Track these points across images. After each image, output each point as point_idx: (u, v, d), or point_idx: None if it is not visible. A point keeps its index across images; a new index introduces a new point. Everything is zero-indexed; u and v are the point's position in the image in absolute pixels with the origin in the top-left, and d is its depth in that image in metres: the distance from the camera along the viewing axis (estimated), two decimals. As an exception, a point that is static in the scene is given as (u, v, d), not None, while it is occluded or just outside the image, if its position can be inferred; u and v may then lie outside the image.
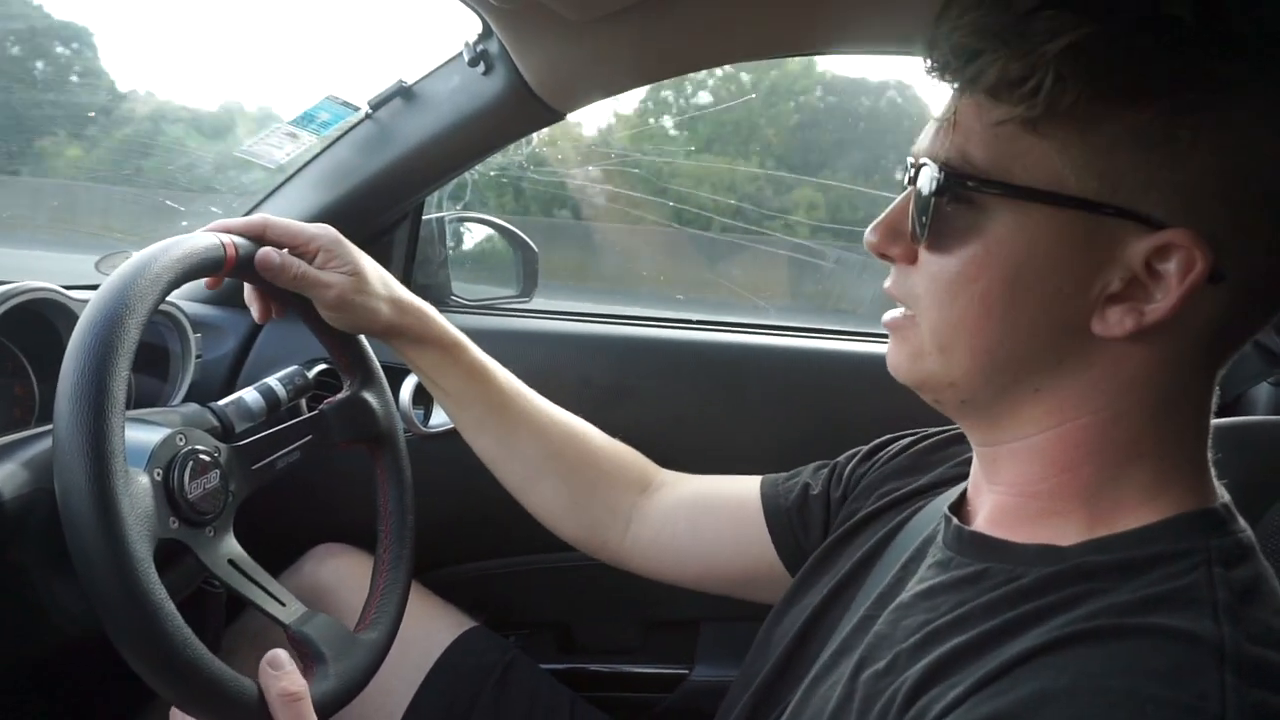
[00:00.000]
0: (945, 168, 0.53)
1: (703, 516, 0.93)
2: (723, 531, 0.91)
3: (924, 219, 0.54)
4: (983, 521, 0.61)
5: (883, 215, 0.59)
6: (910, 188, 0.57)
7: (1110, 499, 0.54)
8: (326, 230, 0.85)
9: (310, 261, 0.84)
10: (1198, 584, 0.48)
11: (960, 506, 0.65)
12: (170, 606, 0.62)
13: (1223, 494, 0.56)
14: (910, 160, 0.57)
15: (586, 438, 0.98)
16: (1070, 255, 0.51)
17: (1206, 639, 0.45)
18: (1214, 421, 0.56)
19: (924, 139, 0.56)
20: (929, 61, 0.54)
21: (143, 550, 0.61)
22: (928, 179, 0.54)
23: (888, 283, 0.61)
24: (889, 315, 0.61)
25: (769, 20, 0.98)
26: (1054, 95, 0.48)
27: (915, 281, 0.57)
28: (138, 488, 0.67)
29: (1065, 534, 0.54)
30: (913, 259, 0.58)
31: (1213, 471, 0.56)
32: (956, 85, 0.53)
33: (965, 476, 0.67)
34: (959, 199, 0.53)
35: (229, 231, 0.79)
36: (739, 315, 1.60)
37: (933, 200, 0.53)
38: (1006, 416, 0.57)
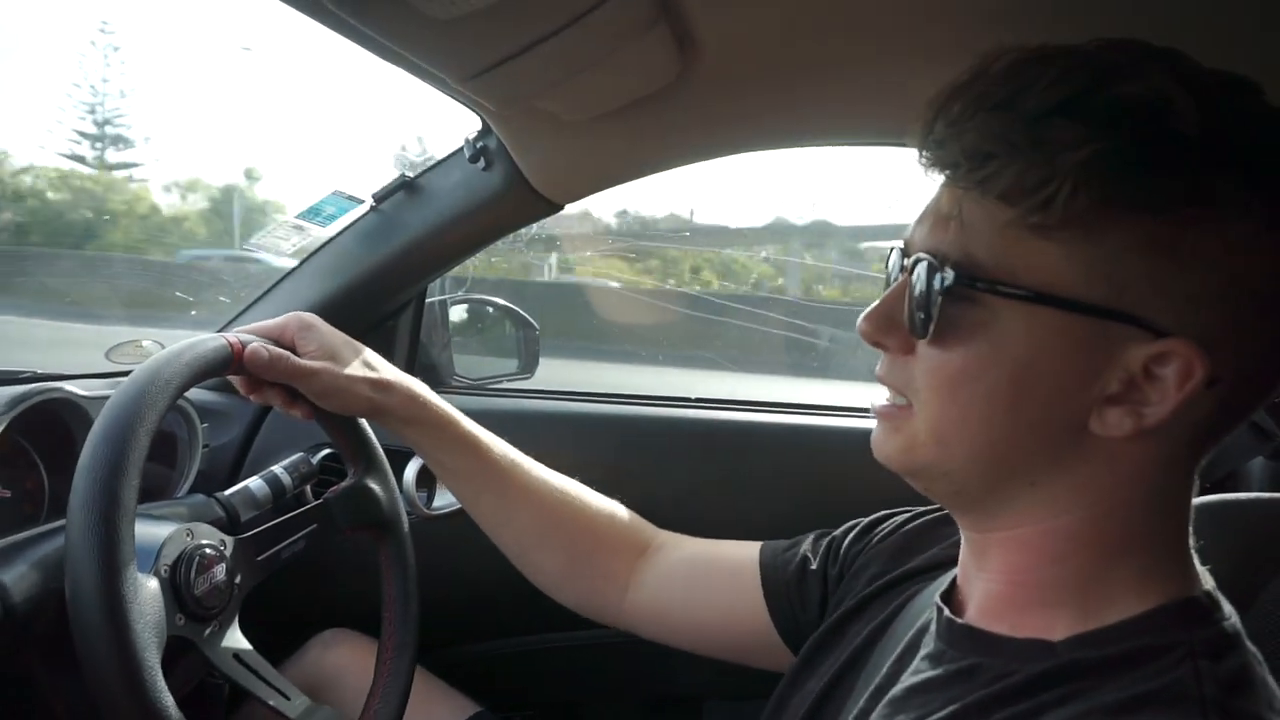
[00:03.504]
0: (953, 266, 0.53)
1: (699, 580, 0.93)
2: (718, 596, 0.90)
3: (925, 315, 0.54)
4: (974, 612, 0.61)
5: (876, 304, 0.59)
6: (902, 276, 0.57)
7: (1098, 590, 0.55)
8: (293, 317, 0.87)
9: (301, 350, 0.86)
10: (1184, 679, 0.49)
11: (951, 594, 0.65)
12: (178, 714, 0.63)
13: (1206, 580, 0.56)
14: (901, 248, 0.58)
15: (584, 504, 0.98)
16: (1073, 357, 0.51)
17: None
18: (1206, 499, 0.57)
19: (920, 232, 0.56)
20: (929, 157, 0.54)
21: (151, 658, 0.63)
22: (930, 275, 0.53)
23: (880, 370, 0.60)
24: (880, 405, 0.61)
25: (761, 115, 1.02)
26: (1069, 204, 0.49)
27: (912, 373, 0.57)
28: (146, 593, 0.68)
29: (1055, 627, 0.54)
30: (909, 350, 0.57)
31: (1194, 557, 0.56)
32: (964, 186, 0.53)
33: (957, 559, 0.68)
34: (964, 298, 0.53)
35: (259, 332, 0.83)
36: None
37: (937, 299, 0.53)
38: (999, 508, 0.57)
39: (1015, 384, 0.52)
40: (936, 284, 0.53)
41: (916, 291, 0.54)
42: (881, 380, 0.60)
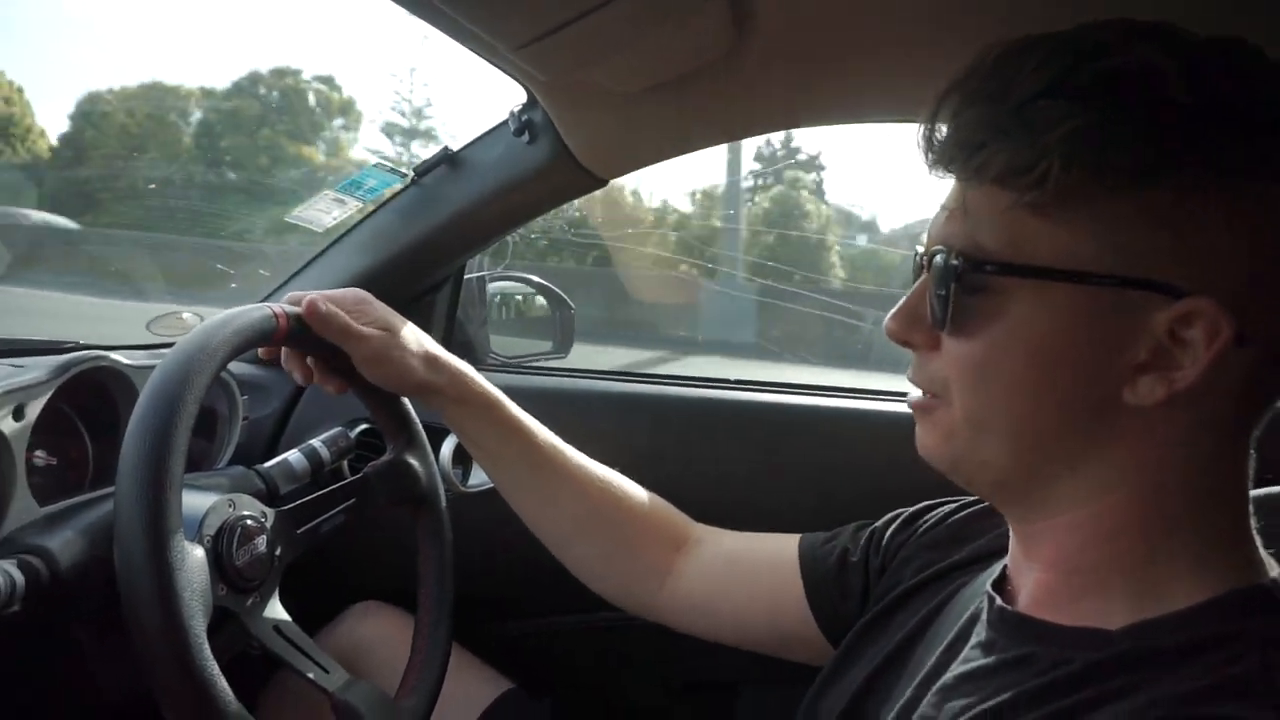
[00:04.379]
0: (960, 255, 0.54)
1: (738, 575, 0.92)
2: (758, 590, 0.90)
3: (944, 306, 0.55)
4: (1026, 601, 0.60)
5: (900, 303, 0.60)
6: (925, 275, 0.58)
7: (1153, 575, 0.53)
8: (349, 290, 0.88)
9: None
10: (1251, 671, 0.47)
11: (1002, 584, 0.64)
12: (223, 683, 0.63)
13: (1273, 566, 0.54)
14: (921, 249, 0.59)
15: (624, 495, 0.97)
16: (1094, 329, 0.51)
17: None
18: (1266, 491, 0.55)
19: (934, 227, 0.58)
20: (930, 155, 0.56)
21: (198, 626, 0.63)
22: (943, 266, 0.55)
23: (911, 371, 0.61)
24: (914, 398, 0.61)
25: (815, 91, 1.00)
26: (1062, 181, 0.49)
27: (940, 368, 0.58)
28: (193, 561, 0.68)
29: (1110, 615, 0.53)
30: (935, 345, 0.58)
31: (1258, 542, 0.55)
32: (963, 177, 0.55)
33: (1005, 550, 0.66)
34: (977, 285, 0.54)
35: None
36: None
37: (951, 287, 0.54)
38: (1043, 495, 0.57)
39: (1039, 365, 0.53)
40: (949, 274, 0.54)
41: (934, 285, 0.56)
42: (913, 380, 0.61)
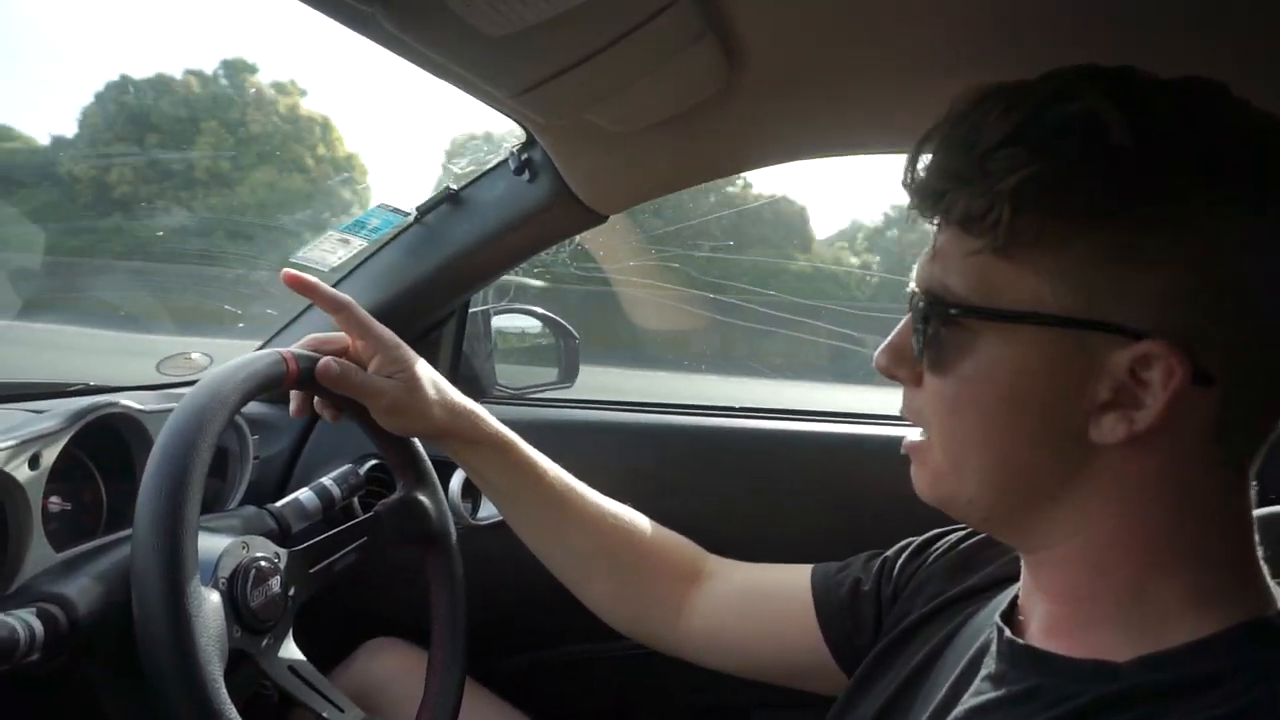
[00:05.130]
0: (929, 296, 0.57)
1: (752, 607, 0.93)
2: (772, 623, 0.90)
3: (919, 344, 0.58)
4: (1035, 632, 0.60)
5: (889, 338, 0.63)
6: (909, 313, 0.61)
7: (1152, 606, 0.53)
8: (392, 336, 0.89)
9: (367, 363, 0.87)
10: (1259, 703, 0.47)
11: (1012, 614, 0.64)
12: None
13: (1278, 596, 0.54)
14: (910, 288, 0.61)
15: (637, 530, 0.98)
16: (1058, 370, 0.53)
17: None
18: (1269, 510, 0.55)
19: (918, 267, 0.60)
20: (908, 198, 0.58)
21: (215, 671, 0.64)
22: (919, 306, 0.58)
23: (901, 404, 0.64)
24: (907, 441, 0.63)
25: (809, 124, 1.01)
26: (1015, 227, 0.51)
27: (922, 403, 0.60)
28: (209, 608, 0.69)
29: (1118, 647, 0.53)
30: (919, 381, 0.60)
31: (1265, 572, 0.55)
32: (933, 221, 0.58)
33: (1016, 577, 0.67)
34: (948, 323, 0.56)
35: (314, 294, 0.87)
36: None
37: (925, 326, 0.57)
38: (1031, 527, 0.58)
39: (1007, 403, 0.55)
40: (922, 313, 0.57)
41: (914, 322, 0.59)
42: (903, 413, 0.64)
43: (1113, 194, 0.50)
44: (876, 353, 0.63)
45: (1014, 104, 0.52)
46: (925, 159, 0.57)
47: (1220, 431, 0.52)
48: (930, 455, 0.60)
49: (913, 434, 0.63)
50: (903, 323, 0.62)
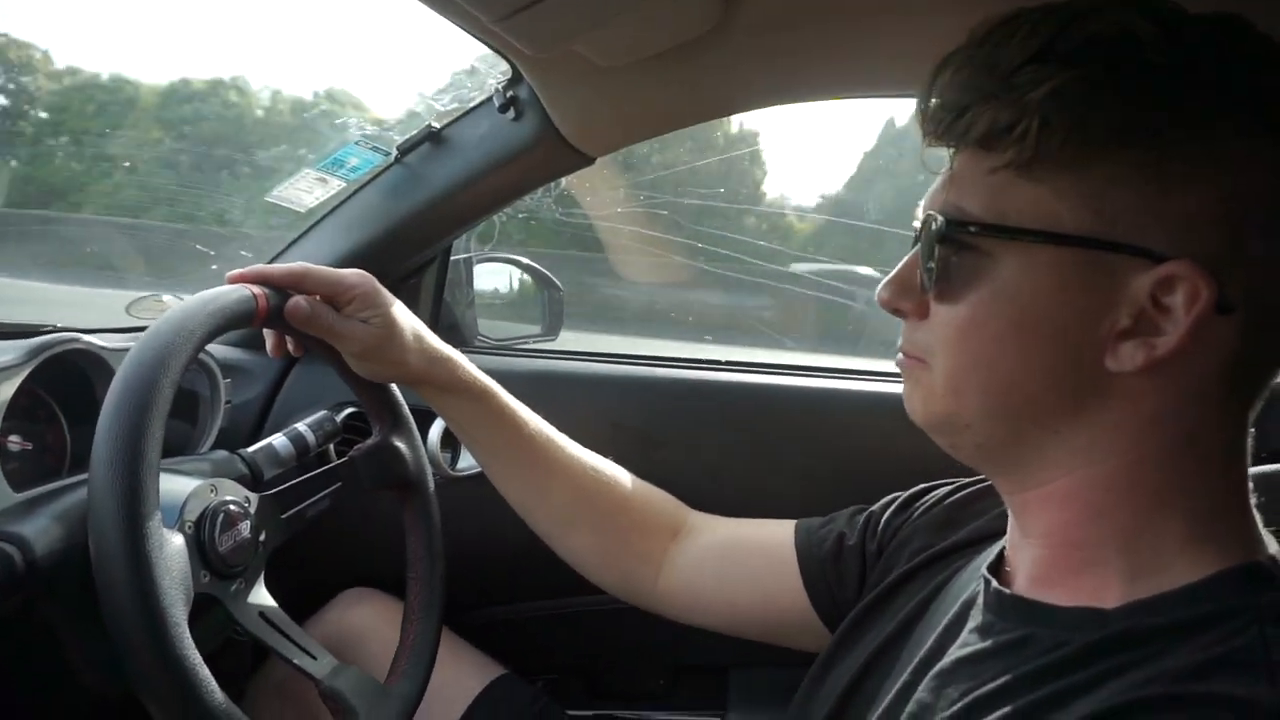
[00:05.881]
0: (946, 217, 0.55)
1: (734, 562, 0.92)
2: (755, 578, 0.89)
3: (930, 269, 0.56)
4: (1023, 582, 0.59)
5: (893, 271, 0.60)
6: (917, 245, 0.58)
7: (1148, 550, 0.53)
8: (365, 279, 0.85)
9: (343, 308, 0.84)
10: (1250, 646, 0.47)
11: (999, 566, 0.63)
12: (205, 671, 0.62)
13: (1271, 543, 0.54)
14: (916, 216, 0.59)
15: (618, 484, 0.97)
16: (1076, 293, 0.52)
17: (1263, 705, 0.44)
18: (1262, 469, 0.54)
19: (928, 195, 0.58)
20: (922, 122, 0.57)
21: (178, 614, 0.62)
22: (931, 230, 0.56)
23: (901, 340, 0.62)
24: (902, 357, 0.62)
25: (806, 65, 0.98)
26: (1042, 139, 0.50)
27: (928, 336, 0.58)
28: (171, 549, 0.66)
29: (1107, 593, 0.53)
30: (924, 313, 0.58)
31: (1258, 519, 0.54)
32: (950, 142, 0.55)
33: (1003, 531, 0.66)
34: (963, 247, 0.54)
35: (270, 281, 0.79)
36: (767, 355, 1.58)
37: (937, 250, 0.55)
38: (1028, 461, 0.57)
39: (1021, 326, 0.53)
40: (935, 237, 0.55)
41: (923, 249, 0.57)
42: (902, 350, 0.62)
43: (1144, 111, 0.49)
44: (879, 287, 0.61)
45: (1040, 23, 0.51)
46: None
47: (1232, 366, 0.51)
48: (926, 376, 0.59)
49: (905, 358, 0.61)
50: (909, 255, 0.60)
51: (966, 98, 0.53)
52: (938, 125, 0.55)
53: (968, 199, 0.54)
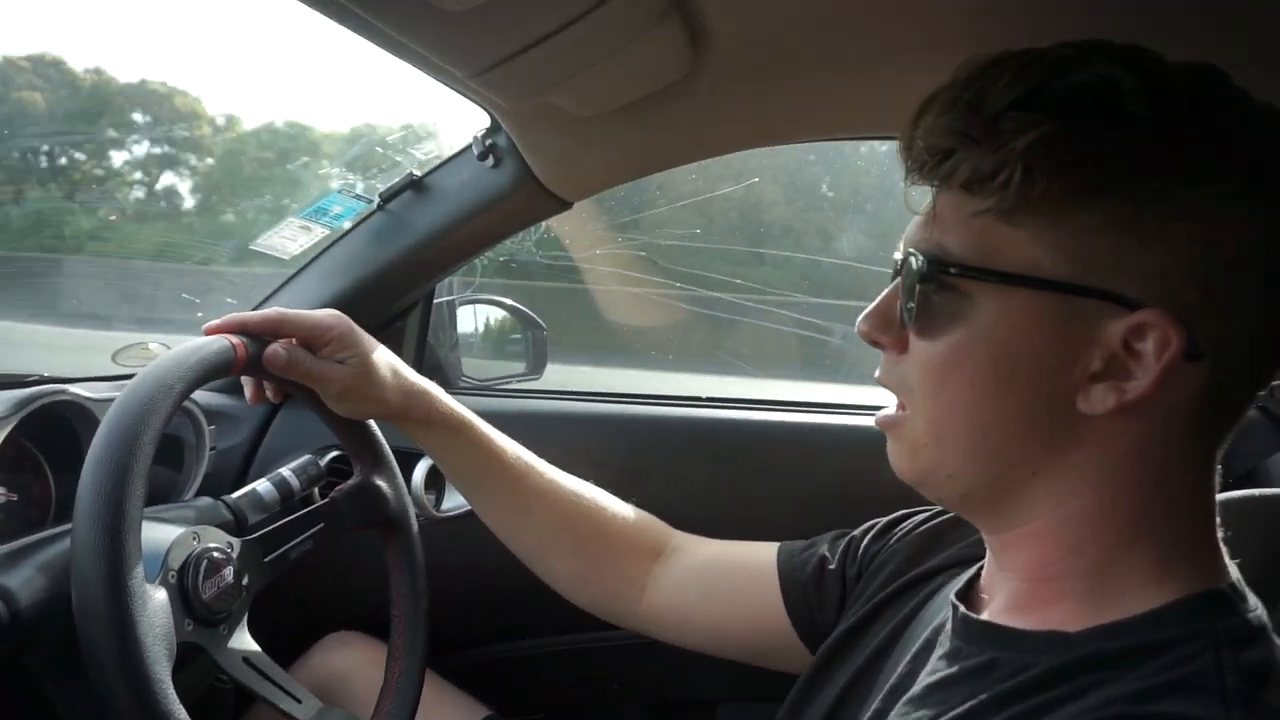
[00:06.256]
0: (927, 256, 0.56)
1: (717, 582, 0.92)
2: (737, 598, 0.90)
3: (910, 306, 0.57)
4: (996, 608, 0.60)
5: (874, 303, 0.61)
6: (898, 279, 0.60)
7: (1114, 580, 0.54)
8: (340, 320, 0.86)
9: (319, 350, 0.85)
10: (1206, 670, 0.48)
11: (969, 593, 0.64)
12: None
13: (1232, 572, 0.55)
14: (898, 252, 0.60)
15: (599, 507, 0.97)
16: (1051, 337, 0.53)
17: None
18: (1227, 495, 0.56)
19: (909, 231, 0.59)
20: (905, 161, 0.57)
21: (161, 672, 0.62)
22: (912, 268, 0.57)
23: (879, 371, 0.63)
24: (881, 415, 0.63)
25: (776, 110, 1.01)
26: (1024, 187, 0.51)
27: (906, 370, 0.59)
28: (154, 605, 0.67)
29: (1072, 619, 0.54)
30: (903, 347, 0.59)
31: (1224, 550, 0.56)
32: (934, 183, 0.56)
33: (979, 558, 0.67)
34: (942, 286, 0.55)
35: (247, 328, 0.81)
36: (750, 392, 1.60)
37: (917, 288, 0.56)
38: (1007, 503, 0.57)
39: (997, 368, 0.54)
40: (915, 275, 0.56)
41: (904, 286, 0.58)
42: (881, 381, 0.63)
43: (1125, 162, 0.51)
44: (859, 319, 0.62)
45: (1024, 68, 0.52)
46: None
47: (1201, 410, 0.53)
48: (908, 428, 0.60)
49: (888, 410, 0.62)
50: (889, 287, 0.61)
51: (950, 141, 0.53)
52: (921, 166, 0.56)
53: (949, 240, 0.55)
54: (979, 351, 0.55)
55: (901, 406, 0.61)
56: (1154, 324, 0.50)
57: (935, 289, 0.56)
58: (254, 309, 1.29)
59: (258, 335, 0.81)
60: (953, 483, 0.58)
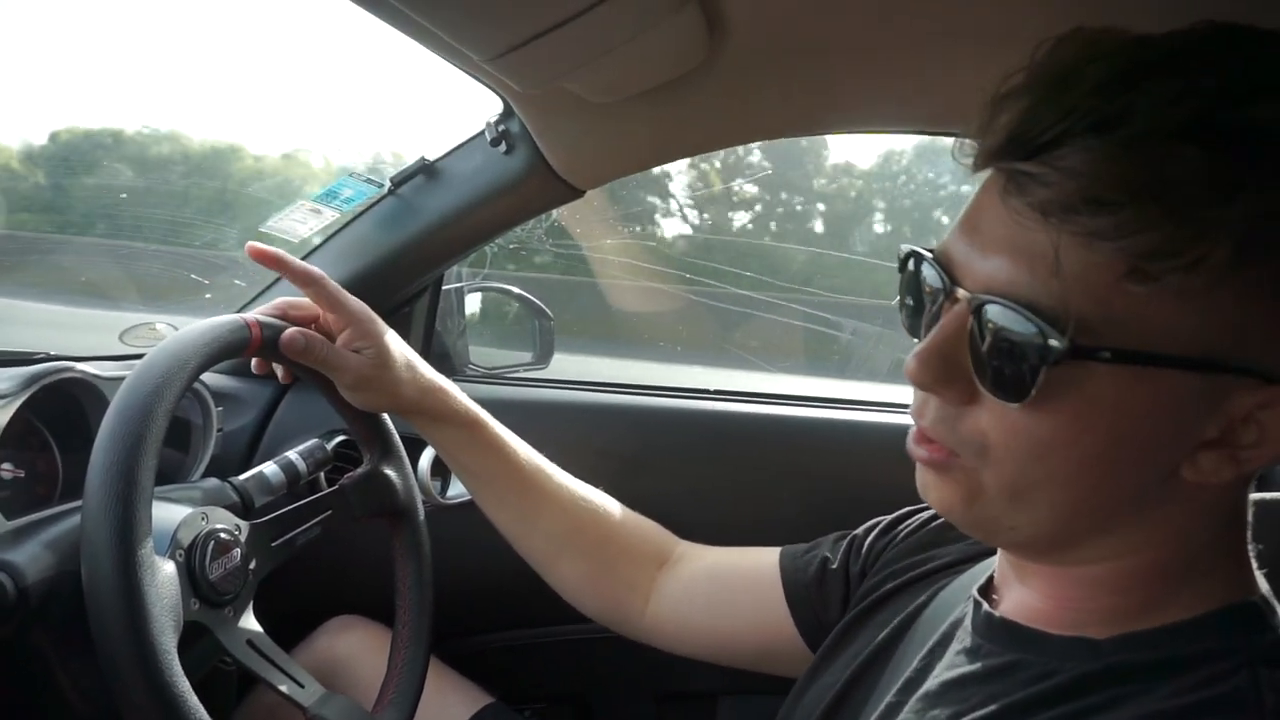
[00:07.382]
0: (1056, 326, 0.45)
1: (721, 590, 0.92)
2: (741, 605, 0.90)
3: (1017, 376, 0.47)
4: (1015, 608, 0.59)
5: (928, 343, 0.50)
6: (952, 308, 0.50)
7: (1146, 589, 0.53)
8: (365, 309, 0.87)
9: (336, 335, 0.85)
10: (1242, 687, 0.47)
11: (988, 589, 0.63)
12: (194, 700, 0.62)
13: (1262, 584, 0.54)
14: (937, 264, 0.51)
15: (607, 513, 0.97)
16: (1178, 411, 0.47)
17: None
18: (1261, 496, 0.55)
19: (987, 266, 0.48)
20: (1013, 186, 0.46)
21: (168, 643, 0.62)
22: (1016, 325, 0.46)
23: (927, 420, 0.53)
24: (921, 453, 0.54)
25: (792, 100, 1.00)
26: (1224, 269, 0.42)
27: (974, 427, 0.50)
28: (163, 577, 0.67)
29: (1099, 625, 0.53)
30: (970, 399, 0.50)
31: (1253, 562, 0.54)
32: (1070, 232, 0.44)
33: (989, 553, 0.66)
34: (1053, 358, 0.45)
35: (284, 267, 0.83)
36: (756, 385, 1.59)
37: (1036, 364, 0.46)
38: (1069, 551, 0.54)
39: (1114, 444, 0.47)
40: (1035, 346, 0.45)
41: (998, 342, 0.47)
42: (929, 433, 0.53)
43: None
44: (910, 359, 0.50)
45: (1189, 83, 0.43)
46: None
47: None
48: (969, 479, 0.52)
49: (934, 453, 0.53)
50: (945, 324, 0.50)
51: (1105, 191, 0.42)
52: (1056, 210, 0.44)
53: (1083, 305, 0.44)
54: (1096, 429, 0.47)
55: (953, 453, 0.52)
56: None
57: (1043, 357, 0.45)
58: (263, 291, 1.30)
59: (292, 279, 0.84)
60: (1014, 533, 0.53)
